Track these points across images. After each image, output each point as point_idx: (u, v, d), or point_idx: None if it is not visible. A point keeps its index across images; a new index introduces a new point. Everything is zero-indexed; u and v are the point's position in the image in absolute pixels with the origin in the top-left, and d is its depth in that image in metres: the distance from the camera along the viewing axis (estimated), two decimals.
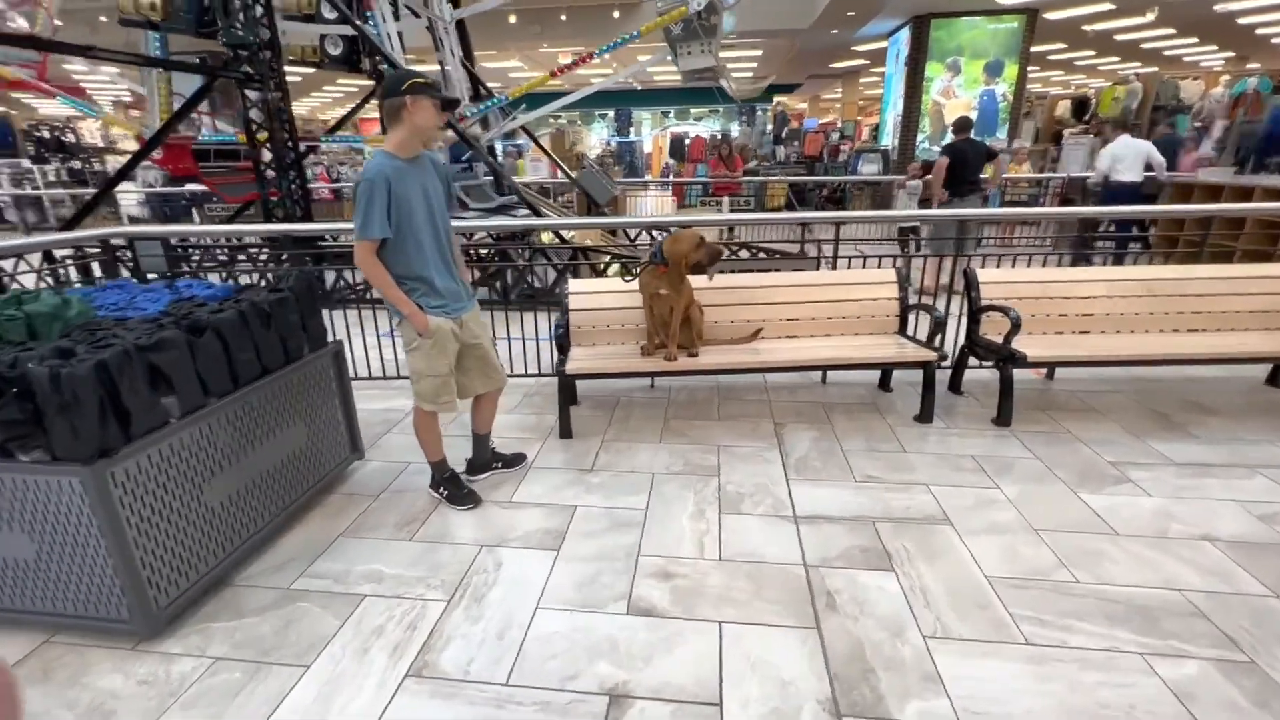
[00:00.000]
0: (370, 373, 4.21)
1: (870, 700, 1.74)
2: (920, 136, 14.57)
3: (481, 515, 2.71)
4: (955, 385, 3.93)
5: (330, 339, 2.89)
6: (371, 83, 8.02)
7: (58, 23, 7.08)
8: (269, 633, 2.05)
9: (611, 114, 28.68)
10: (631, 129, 29.74)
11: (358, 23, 5.65)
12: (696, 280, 3.72)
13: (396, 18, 6.52)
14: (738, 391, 3.98)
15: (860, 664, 1.86)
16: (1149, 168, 6.95)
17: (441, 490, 2.82)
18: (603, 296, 3.70)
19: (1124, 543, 2.40)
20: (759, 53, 18.29)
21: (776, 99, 27.81)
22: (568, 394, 3.37)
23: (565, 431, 3.39)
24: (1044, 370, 4.13)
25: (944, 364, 3.56)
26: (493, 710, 1.74)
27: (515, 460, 3.10)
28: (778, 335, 3.73)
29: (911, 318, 3.78)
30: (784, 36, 15.80)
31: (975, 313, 3.67)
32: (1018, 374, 3.46)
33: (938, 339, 3.54)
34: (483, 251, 6.15)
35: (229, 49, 5.60)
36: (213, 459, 2.20)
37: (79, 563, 1.90)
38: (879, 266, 3.95)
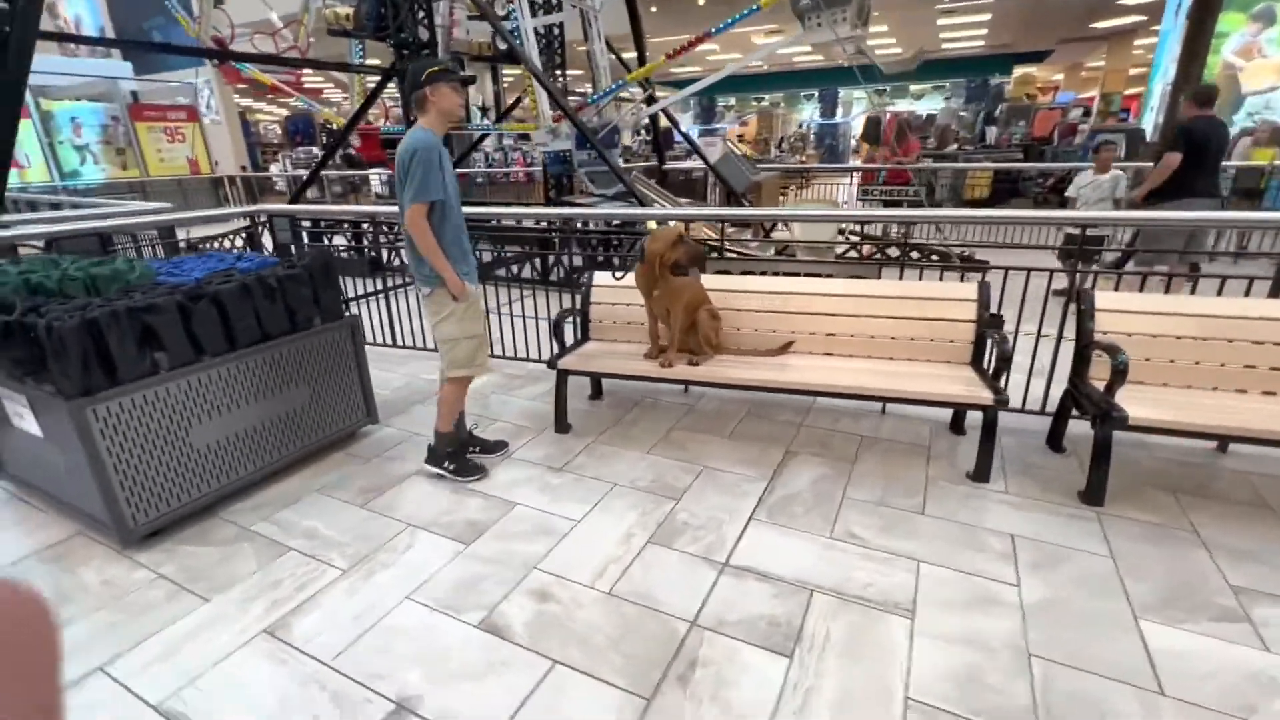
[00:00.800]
0: None
1: None
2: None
3: (437, 494, 2.81)
4: (1055, 441, 3.04)
5: (347, 313, 3.19)
6: None
7: (311, 39, 8.75)
8: (208, 564, 2.37)
9: (816, 94, 27.11)
10: (839, 110, 27.86)
11: (498, 21, 6.04)
12: (720, 281, 3.39)
13: (545, 11, 6.85)
14: (770, 410, 3.54)
15: None
16: None
17: (447, 465, 2.92)
18: (626, 291, 3.52)
19: (1164, 709, 1.65)
20: (986, 16, 15.69)
21: (1020, 70, 23.69)
22: (564, 387, 3.30)
23: (561, 426, 3.34)
24: (1215, 441, 2.99)
25: (1007, 408, 2.77)
26: (297, 686, 1.81)
27: (496, 447, 3.14)
28: (815, 351, 3.22)
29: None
30: None
31: (1082, 349, 2.78)
32: (1172, 441, 2.57)
33: (1013, 377, 2.76)
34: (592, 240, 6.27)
35: (395, 49, 6.39)
36: (201, 408, 2.58)
37: (86, 478, 2.38)
38: (962, 280, 3.18)
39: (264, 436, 2.84)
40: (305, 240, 5.84)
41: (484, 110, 9.61)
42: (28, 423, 2.47)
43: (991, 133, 13.89)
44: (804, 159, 19.46)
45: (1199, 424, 2.35)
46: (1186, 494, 2.63)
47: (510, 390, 3.93)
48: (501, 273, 6.50)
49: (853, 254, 6.20)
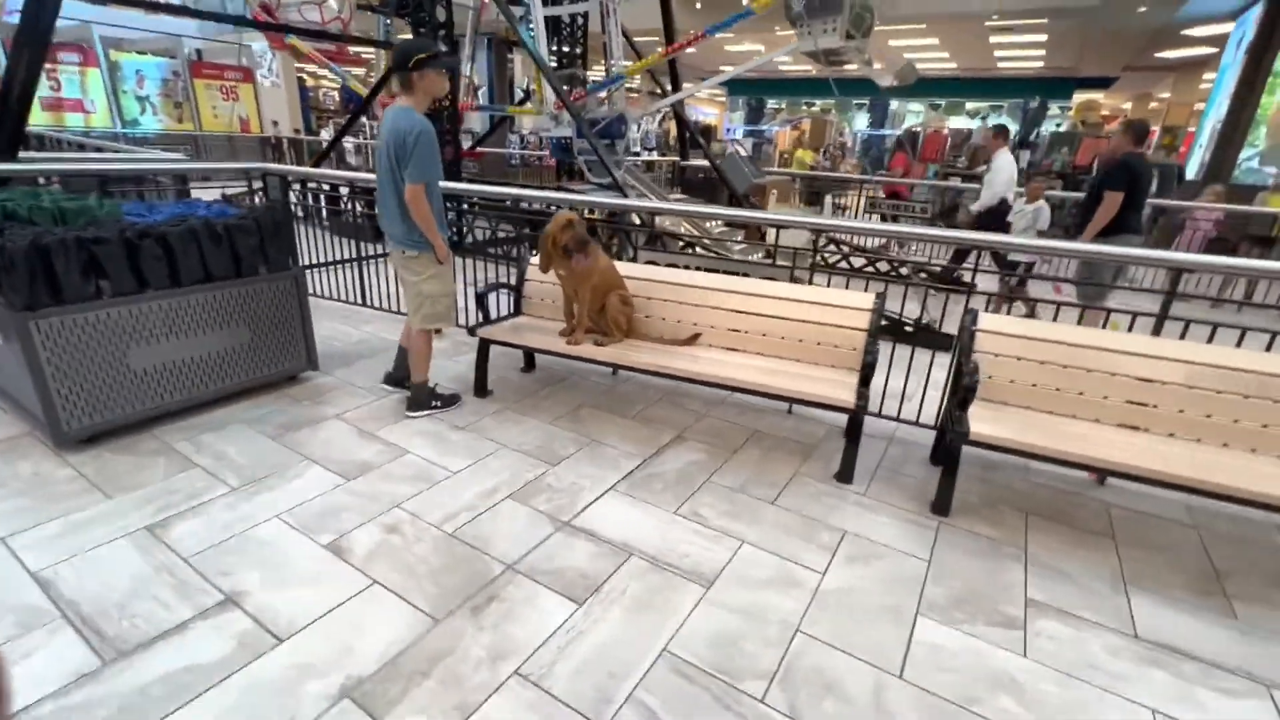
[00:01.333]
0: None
1: (386, 694, 1.67)
2: (1248, 152, 10.90)
3: (345, 438, 3.08)
4: (936, 455, 3.12)
5: (292, 266, 3.49)
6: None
7: (343, 15, 9.19)
8: (123, 470, 2.69)
9: (868, 104, 26.67)
10: (889, 121, 27.34)
11: (508, 8, 6.28)
12: (638, 270, 3.57)
13: (556, 2, 7.07)
14: (681, 398, 3.70)
15: (422, 669, 1.78)
16: None
17: (435, 403, 3.34)
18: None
19: (891, 688, 1.79)
20: (1042, 37, 15.22)
21: (1081, 95, 22.81)
22: (484, 355, 3.54)
23: (480, 391, 3.58)
24: (1095, 473, 3.04)
25: (865, 413, 2.88)
26: (152, 571, 2.09)
27: (450, 401, 3.42)
28: (720, 345, 3.37)
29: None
30: (1072, 17, 12.92)
31: (957, 370, 2.86)
32: (1054, 469, 2.71)
33: (929, 394, 2.86)
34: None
35: (413, 28, 6.71)
36: (140, 335, 2.90)
37: (27, 383, 2.72)
38: (866, 289, 3.27)
39: (201, 368, 3.16)
40: (309, 201, 6.23)
41: (527, 93, 9.91)
42: None
43: (1024, 156, 13.50)
44: (849, 169, 19.18)
45: (1033, 444, 2.42)
46: (1039, 516, 2.70)
47: (453, 356, 4.18)
48: (493, 251, 6.77)
49: (844, 264, 6.27)
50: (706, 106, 36.39)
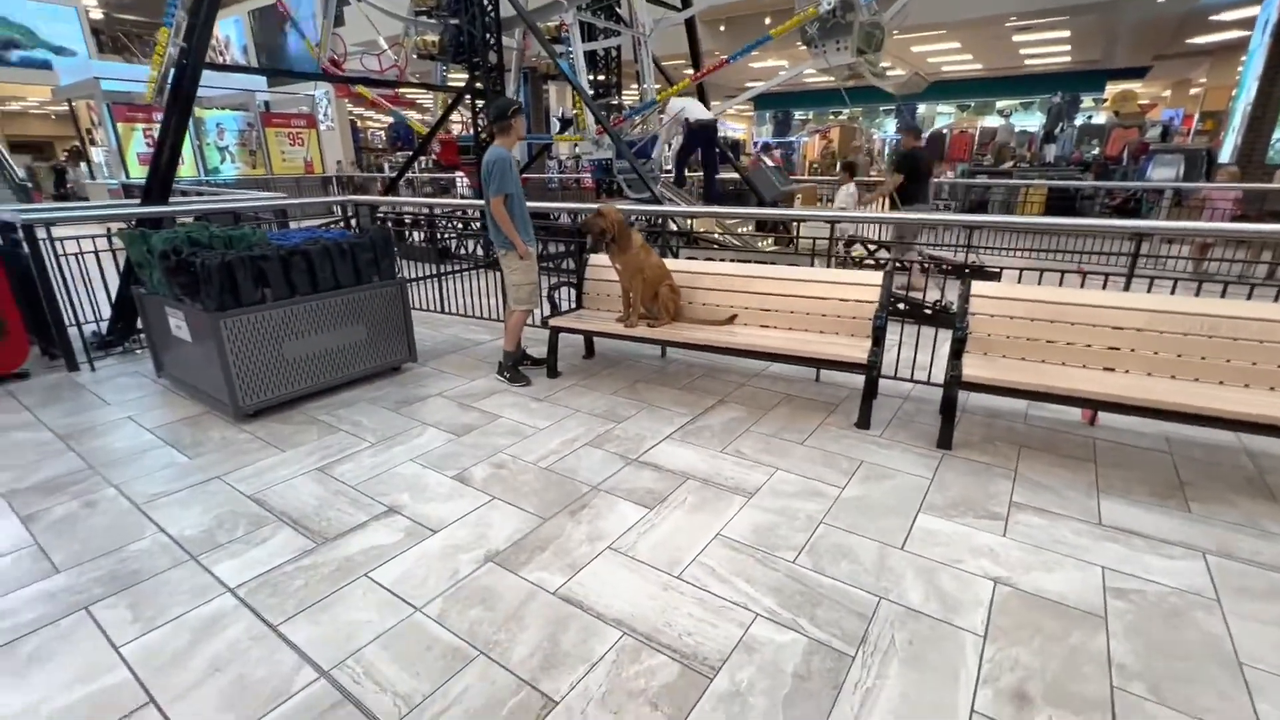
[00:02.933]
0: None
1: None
2: (1278, 135, 10.91)
3: (448, 408, 3.78)
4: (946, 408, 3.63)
5: (397, 276, 4.26)
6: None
7: (413, 56, 10.25)
8: (287, 434, 3.44)
9: (895, 109, 26.94)
10: (919, 125, 27.49)
11: (549, 47, 7.09)
12: (683, 265, 4.21)
13: (593, 38, 7.87)
14: (721, 372, 4.31)
15: (539, 546, 2.42)
16: None
17: (505, 374, 4.14)
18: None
19: (892, 555, 2.34)
20: (1066, 33, 15.41)
21: (1115, 87, 22.61)
22: (555, 341, 4.23)
23: (551, 372, 4.26)
24: (1089, 412, 3.51)
25: (878, 369, 3.42)
26: (330, 494, 2.80)
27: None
28: (755, 324, 3.97)
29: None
30: (1090, 12, 13.15)
31: (957, 328, 3.39)
32: (1050, 410, 3.24)
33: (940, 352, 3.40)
34: None
35: (469, 71, 7.60)
36: (290, 330, 3.68)
37: (216, 371, 3.51)
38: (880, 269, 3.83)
39: (333, 358, 3.93)
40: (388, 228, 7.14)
41: (565, 122, 10.80)
42: (183, 332, 3.65)
43: (1050, 151, 13.69)
44: (876, 174, 19.59)
45: (1018, 381, 2.94)
46: (1031, 449, 3.20)
47: (530, 346, 4.88)
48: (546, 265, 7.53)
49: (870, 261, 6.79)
50: (735, 122, 37.21)
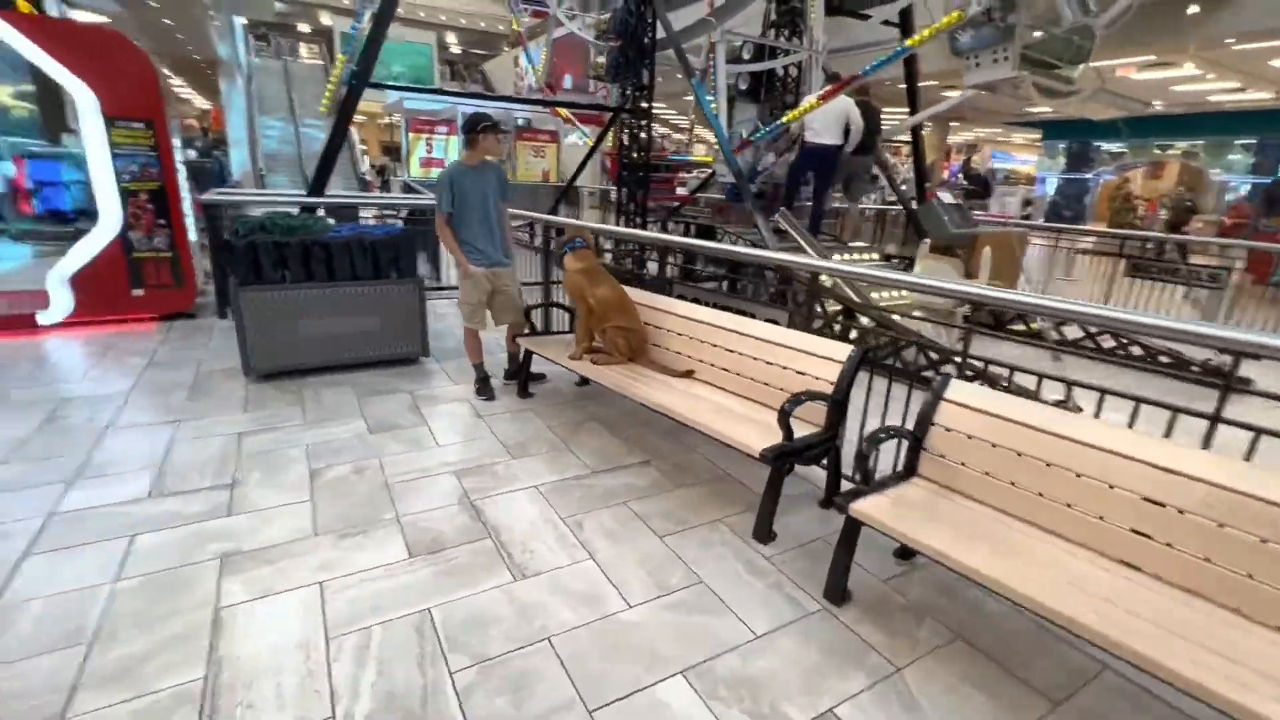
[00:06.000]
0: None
1: None
2: None
3: (397, 402, 3.94)
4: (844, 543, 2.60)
5: (416, 275, 4.57)
6: None
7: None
8: (267, 397, 3.95)
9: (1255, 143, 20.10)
10: None
11: (689, 66, 6.88)
12: (647, 299, 3.76)
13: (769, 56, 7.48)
14: (686, 434, 3.68)
15: None
16: None
17: (475, 385, 4.18)
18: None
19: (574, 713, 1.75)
20: None
21: None
22: (527, 360, 4.12)
23: (522, 391, 4.16)
24: None
25: (785, 471, 2.58)
26: (365, 445, 3.13)
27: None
28: (713, 382, 3.34)
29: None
30: None
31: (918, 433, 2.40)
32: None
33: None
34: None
35: (621, 91, 7.82)
36: (307, 309, 4.20)
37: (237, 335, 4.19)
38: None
39: (345, 341, 4.38)
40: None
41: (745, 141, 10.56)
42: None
43: None
44: (1197, 230, 14.61)
45: (940, 551, 1.95)
46: (962, 644, 2.10)
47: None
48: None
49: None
50: (1025, 153, 31.85)
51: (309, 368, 4.33)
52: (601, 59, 8.52)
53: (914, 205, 7.38)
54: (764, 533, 2.63)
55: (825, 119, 6.28)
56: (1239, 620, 1.71)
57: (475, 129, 3.70)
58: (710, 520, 2.79)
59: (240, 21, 14.03)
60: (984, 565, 1.87)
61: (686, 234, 7.65)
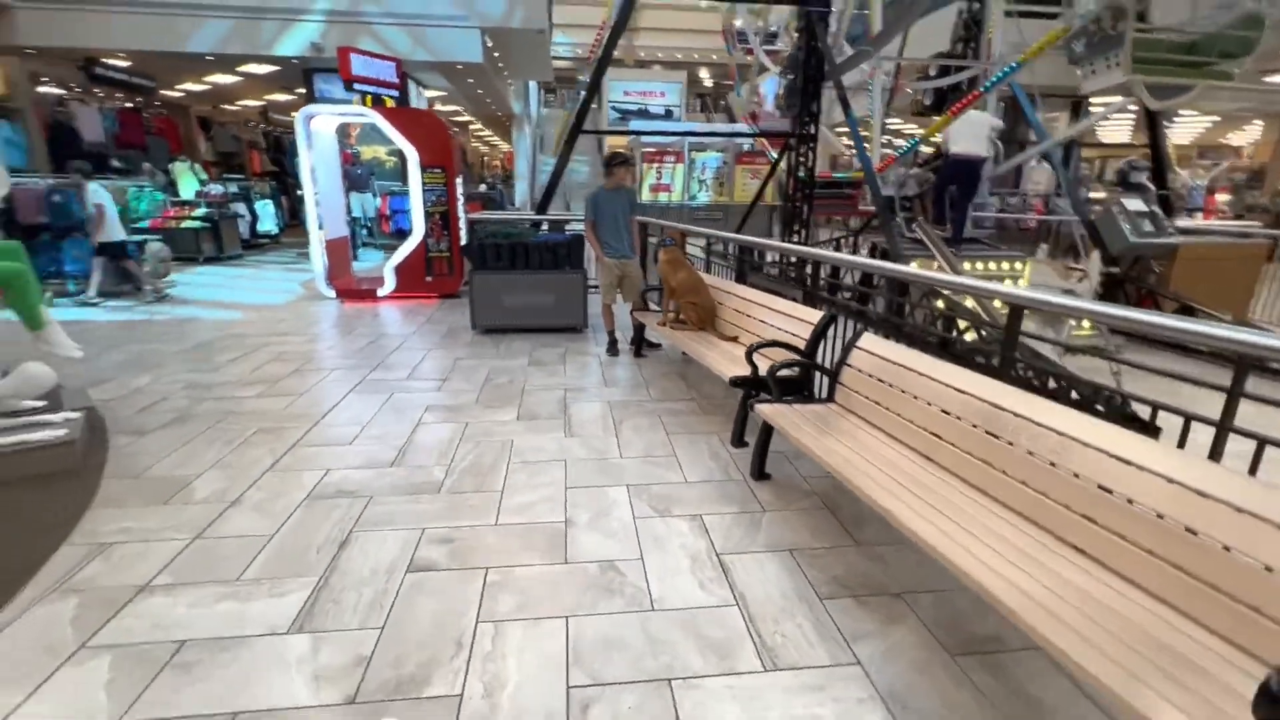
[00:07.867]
0: None
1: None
2: None
3: (519, 353, 5.72)
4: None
5: (580, 267, 6.38)
6: None
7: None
8: (479, 342, 6.08)
9: None
10: None
11: (846, 98, 7.59)
12: (716, 282, 4.95)
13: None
14: None
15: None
16: None
17: (606, 346, 5.92)
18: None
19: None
20: None
21: None
22: (640, 331, 5.59)
23: (637, 352, 5.65)
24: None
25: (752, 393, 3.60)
26: (532, 373, 5.23)
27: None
28: (744, 342, 4.42)
29: None
30: None
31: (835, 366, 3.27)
32: None
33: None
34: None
35: (794, 119, 8.85)
36: (509, 288, 6.29)
37: (469, 304, 6.43)
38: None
39: (532, 310, 6.39)
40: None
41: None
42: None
43: None
44: None
45: (810, 449, 2.92)
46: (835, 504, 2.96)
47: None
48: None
49: None
50: None
51: (508, 327, 6.42)
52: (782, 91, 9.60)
53: (1092, 216, 7.00)
54: (736, 438, 3.69)
55: (968, 131, 6.56)
56: (1037, 530, 2.38)
57: (611, 164, 5.29)
58: (708, 432, 3.92)
59: (534, 83, 18.10)
60: (815, 445, 2.78)
61: (872, 255, 8.39)
